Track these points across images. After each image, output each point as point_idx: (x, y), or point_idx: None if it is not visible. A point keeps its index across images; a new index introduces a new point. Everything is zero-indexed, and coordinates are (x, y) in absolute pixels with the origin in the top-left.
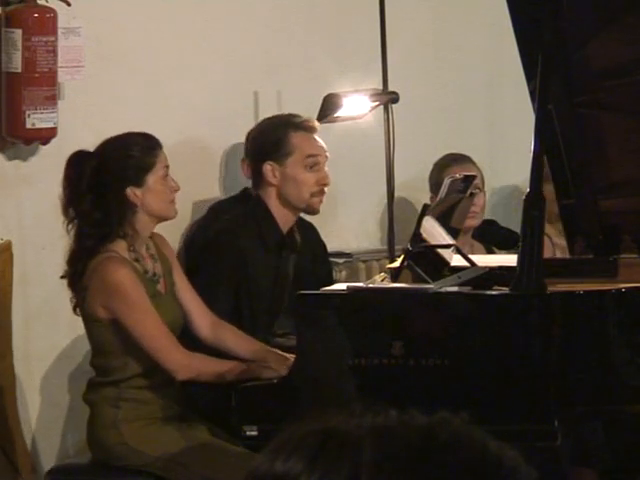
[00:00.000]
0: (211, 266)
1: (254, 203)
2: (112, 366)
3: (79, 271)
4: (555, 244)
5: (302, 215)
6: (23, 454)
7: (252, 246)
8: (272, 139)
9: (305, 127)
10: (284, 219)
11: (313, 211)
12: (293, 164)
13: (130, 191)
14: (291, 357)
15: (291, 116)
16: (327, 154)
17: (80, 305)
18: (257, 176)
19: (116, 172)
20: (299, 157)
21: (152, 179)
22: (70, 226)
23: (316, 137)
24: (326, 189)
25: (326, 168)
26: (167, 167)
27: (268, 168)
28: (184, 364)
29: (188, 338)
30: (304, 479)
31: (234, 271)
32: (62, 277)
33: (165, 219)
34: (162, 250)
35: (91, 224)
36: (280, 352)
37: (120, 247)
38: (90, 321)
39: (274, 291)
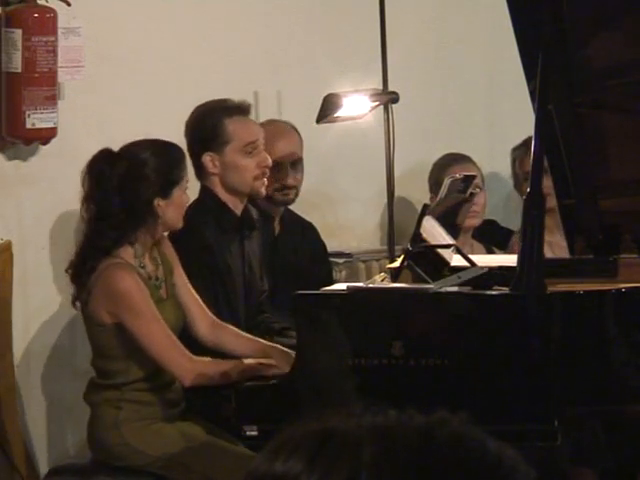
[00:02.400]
0: (181, 265)
1: (203, 194)
2: (114, 369)
3: (88, 268)
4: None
5: (302, 215)
6: (23, 454)
7: (213, 236)
8: (207, 129)
9: (239, 110)
10: (234, 203)
11: (258, 194)
12: (232, 152)
13: (156, 202)
14: (293, 353)
15: (223, 101)
16: (263, 136)
17: (82, 308)
18: (199, 167)
19: (145, 181)
20: (237, 145)
21: (177, 193)
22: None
23: (251, 120)
24: (267, 171)
25: (263, 150)
26: (188, 180)
27: (207, 159)
28: (191, 370)
29: (188, 339)
30: (304, 479)
31: (203, 265)
32: (67, 270)
33: (173, 229)
34: (165, 254)
35: (113, 226)
36: (282, 347)
37: (127, 253)
38: (93, 325)
39: (245, 274)
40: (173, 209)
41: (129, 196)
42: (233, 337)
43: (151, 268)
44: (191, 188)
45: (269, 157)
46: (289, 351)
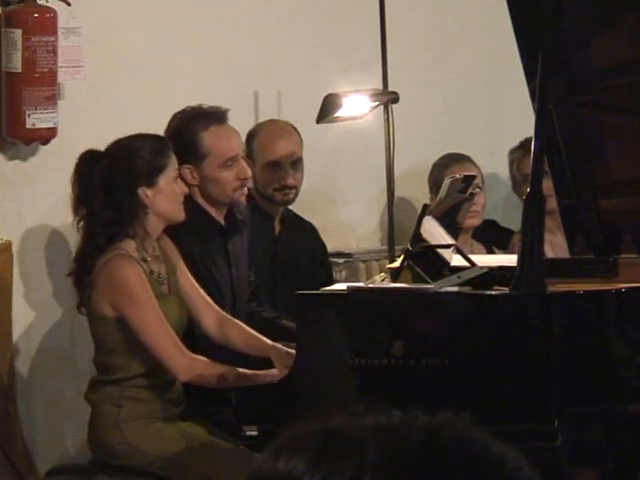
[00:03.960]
0: None
1: (185, 202)
2: (115, 364)
3: (87, 269)
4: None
5: (302, 215)
6: (23, 454)
7: (194, 244)
8: (184, 142)
9: (215, 119)
10: (216, 212)
11: (238, 205)
12: (210, 166)
13: (142, 191)
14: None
15: (198, 109)
16: (243, 147)
17: (86, 304)
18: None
19: (128, 172)
20: (215, 159)
21: (163, 180)
22: (80, 224)
23: (229, 129)
24: (246, 182)
25: (243, 163)
26: (177, 169)
27: (186, 172)
28: (186, 365)
29: (191, 340)
30: (307, 479)
31: None
32: (68, 275)
33: (174, 221)
34: (166, 252)
35: (102, 223)
36: (283, 348)
37: (129, 246)
38: (95, 318)
39: (232, 280)
40: (163, 199)
41: (113, 190)
42: (239, 333)
43: (154, 264)
44: None
45: (248, 168)
46: (290, 351)
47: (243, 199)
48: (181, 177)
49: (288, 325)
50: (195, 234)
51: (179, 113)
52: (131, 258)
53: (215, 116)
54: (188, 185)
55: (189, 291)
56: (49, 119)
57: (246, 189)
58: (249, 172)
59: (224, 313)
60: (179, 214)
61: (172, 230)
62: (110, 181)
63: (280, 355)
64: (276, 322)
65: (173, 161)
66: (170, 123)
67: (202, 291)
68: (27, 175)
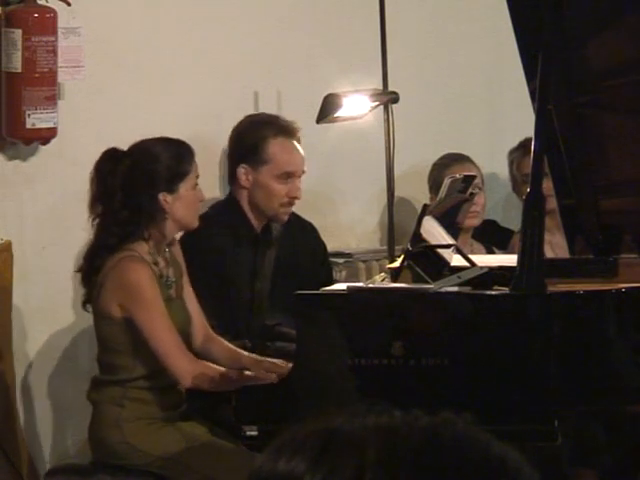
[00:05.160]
0: (187, 267)
1: (228, 200)
2: (119, 365)
3: (96, 267)
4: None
5: (302, 215)
6: (23, 454)
7: (226, 244)
8: (249, 143)
9: (286, 131)
10: (256, 219)
11: (278, 221)
12: (267, 173)
13: (162, 197)
14: (283, 364)
15: (273, 118)
16: (304, 168)
17: (93, 303)
18: (232, 175)
19: (151, 176)
20: (274, 168)
21: (184, 187)
22: (95, 222)
23: (296, 145)
24: (296, 201)
25: (298, 182)
26: (197, 176)
27: (242, 171)
28: (190, 371)
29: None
30: (307, 479)
31: (209, 271)
32: (77, 271)
33: (188, 228)
34: (175, 256)
35: (117, 222)
36: (270, 360)
37: (141, 248)
38: (101, 318)
39: (253, 288)
40: (182, 205)
41: (134, 191)
42: (220, 347)
43: (164, 267)
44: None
45: (300, 190)
46: (278, 362)
47: (285, 218)
48: (235, 175)
49: (286, 331)
50: (230, 235)
51: (251, 116)
52: (142, 260)
53: (287, 129)
54: (238, 185)
55: (187, 300)
56: (49, 119)
57: (291, 209)
58: (300, 194)
59: (210, 331)
60: (194, 221)
61: (207, 227)
62: (131, 182)
63: (257, 362)
64: (275, 328)
65: (195, 168)
66: (240, 124)
67: (198, 304)
68: (27, 175)
